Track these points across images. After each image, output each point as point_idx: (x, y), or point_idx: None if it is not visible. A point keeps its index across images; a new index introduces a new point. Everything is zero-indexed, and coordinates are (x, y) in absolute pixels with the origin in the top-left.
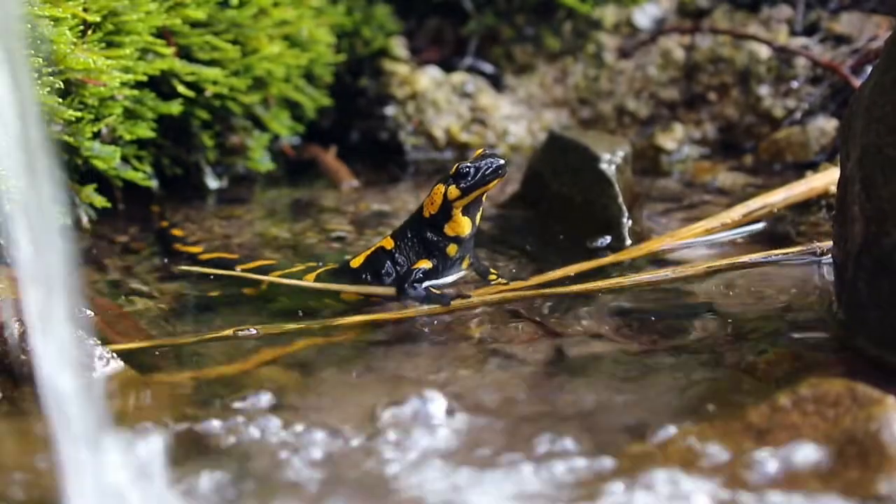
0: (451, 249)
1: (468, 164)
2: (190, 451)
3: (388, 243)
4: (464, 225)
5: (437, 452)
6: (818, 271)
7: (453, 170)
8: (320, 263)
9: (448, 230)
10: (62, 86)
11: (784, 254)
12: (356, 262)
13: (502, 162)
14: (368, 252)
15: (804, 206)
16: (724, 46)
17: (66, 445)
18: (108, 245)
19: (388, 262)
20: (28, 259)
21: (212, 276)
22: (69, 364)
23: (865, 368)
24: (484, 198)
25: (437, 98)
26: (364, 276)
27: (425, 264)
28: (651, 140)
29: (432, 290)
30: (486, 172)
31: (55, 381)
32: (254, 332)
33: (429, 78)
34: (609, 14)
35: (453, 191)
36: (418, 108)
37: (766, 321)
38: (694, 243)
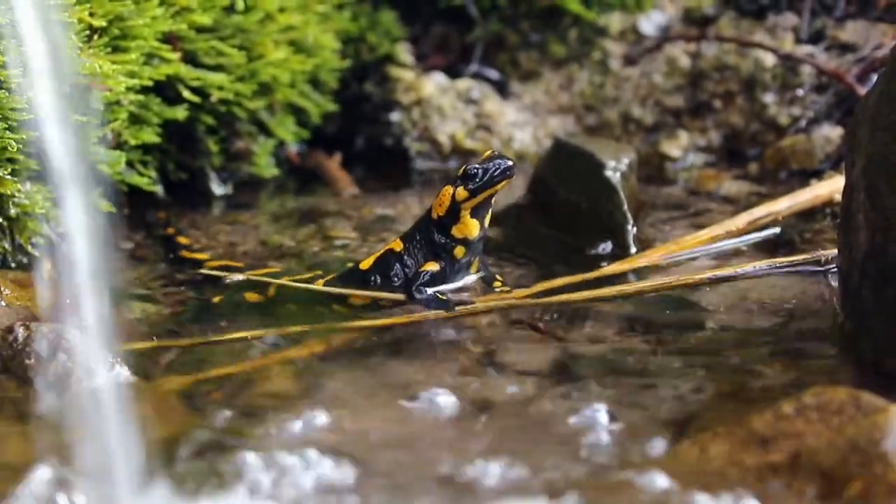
0: (459, 252)
1: (476, 166)
2: (195, 455)
3: (398, 245)
4: (472, 227)
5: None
6: (823, 280)
7: (461, 171)
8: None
9: (456, 232)
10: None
11: (789, 262)
12: (365, 265)
13: (510, 163)
14: (378, 254)
15: (809, 215)
16: (730, 54)
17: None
18: (112, 250)
19: (397, 264)
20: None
21: (227, 281)
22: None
23: (870, 377)
24: (493, 200)
25: (443, 104)
26: (373, 278)
27: (433, 267)
28: (656, 147)
29: (438, 294)
30: (495, 174)
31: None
32: (259, 335)
33: (434, 84)
34: (615, 21)
35: (461, 192)
36: (423, 115)
37: (771, 329)
38: (698, 251)
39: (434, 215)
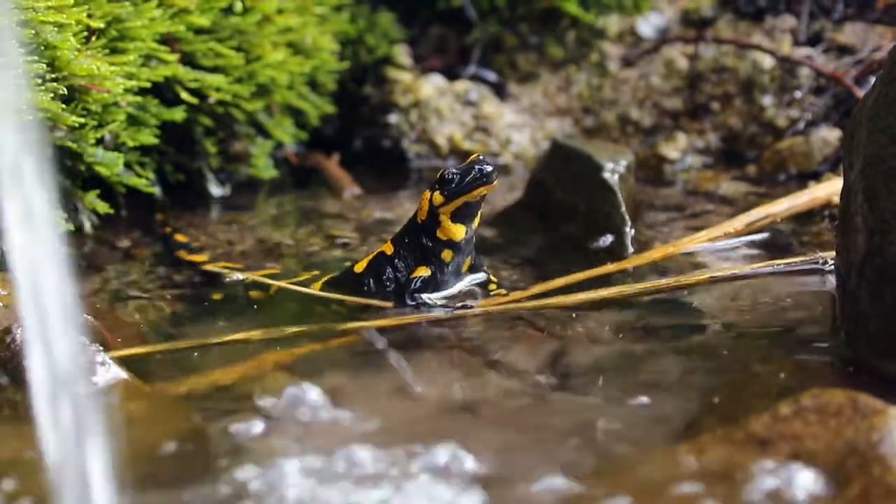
0: (447, 255)
1: (454, 171)
2: (191, 458)
3: (388, 248)
4: (454, 230)
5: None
6: (820, 281)
7: (439, 175)
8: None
9: (440, 234)
10: (66, 92)
11: (786, 264)
12: (359, 268)
13: (489, 169)
14: (370, 257)
15: (807, 217)
16: (728, 56)
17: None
18: (109, 251)
19: (389, 267)
20: (25, 264)
21: (225, 279)
22: (69, 372)
23: (867, 379)
24: (481, 202)
25: (441, 106)
26: (367, 280)
27: (424, 272)
28: (654, 149)
29: (434, 301)
30: (471, 179)
31: (54, 389)
32: (255, 336)
33: (432, 86)
34: (613, 23)
35: (437, 197)
36: (421, 116)
37: (768, 331)
38: (696, 252)
39: (419, 219)
